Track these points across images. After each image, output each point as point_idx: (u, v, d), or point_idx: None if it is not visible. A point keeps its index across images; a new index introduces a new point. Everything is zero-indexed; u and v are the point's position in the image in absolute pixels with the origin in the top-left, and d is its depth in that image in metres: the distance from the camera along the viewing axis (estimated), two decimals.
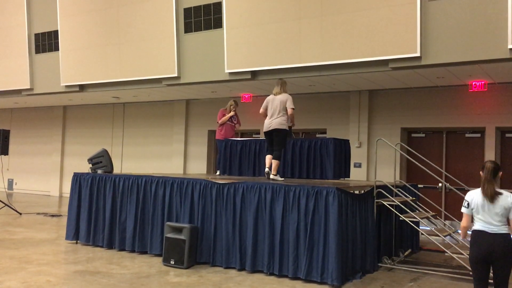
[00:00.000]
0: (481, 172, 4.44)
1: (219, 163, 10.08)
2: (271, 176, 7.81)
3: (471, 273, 4.52)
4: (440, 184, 11.32)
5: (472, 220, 4.41)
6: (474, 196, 4.37)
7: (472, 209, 4.36)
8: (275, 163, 7.90)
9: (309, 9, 10.33)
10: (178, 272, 6.62)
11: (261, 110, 8.04)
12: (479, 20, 8.72)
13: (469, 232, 4.49)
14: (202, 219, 7.20)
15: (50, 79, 15.11)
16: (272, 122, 7.81)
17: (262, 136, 10.74)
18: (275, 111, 7.78)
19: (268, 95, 8.10)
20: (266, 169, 7.93)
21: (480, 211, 4.29)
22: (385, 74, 10.43)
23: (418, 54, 9.20)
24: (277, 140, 7.91)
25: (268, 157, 8.02)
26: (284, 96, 7.83)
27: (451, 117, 11.51)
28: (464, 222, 4.40)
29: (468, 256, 6.71)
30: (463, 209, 4.39)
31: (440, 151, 11.93)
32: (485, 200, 4.28)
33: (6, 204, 12.50)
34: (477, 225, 4.33)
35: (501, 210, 4.22)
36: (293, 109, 7.78)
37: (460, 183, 8.09)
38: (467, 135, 11.72)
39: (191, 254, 6.92)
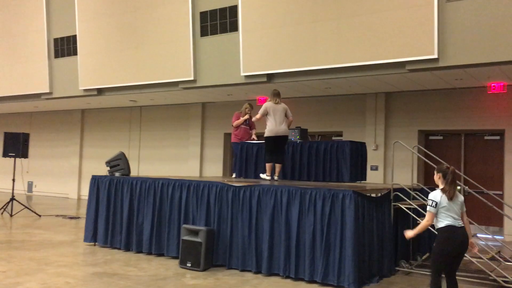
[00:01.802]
0: (438, 175, 4.81)
1: (235, 166, 10.10)
2: (264, 176, 8.72)
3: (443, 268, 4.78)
4: (458, 187, 11.16)
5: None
6: (439, 196, 4.72)
7: (438, 208, 4.68)
8: (280, 167, 8.75)
9: (325, 12, 10.30)
10: (195, 274, 6.64)
11: (260, 116, 8.49)
12: (497, 21, 8.60)
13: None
14: (218, 221, 7.21)
15: (69, 83, 15.32)
16: (282, 129, 8.44)
17: None
18: (281, 119, 8.42)
19: (275, 100, 8.55)
20: (276, 177, 8.60)
21: (449, 208, 4.68)
22: (402, 76, 10.34)
23: (435, 56, 9.12)
24: (284, 146, 8.69)
25: (276, 165, 8.69)
26: (285, 106, 8.54)
27: (469, 119, 11.35)
28: (430, 220, 4.74)
29: (486, 260, 6.67)
30: (431, 209, 4.70)
31: (459, 154, 11.78)
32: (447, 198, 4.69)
33: (25, 206, 12.71)
34: (448, 221, 4.68)
35: (459, 206, 4.75)
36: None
37: (479, 186, 7.96)
38: (486, 137, 11.55)
39: (207, 257, 6.94)
